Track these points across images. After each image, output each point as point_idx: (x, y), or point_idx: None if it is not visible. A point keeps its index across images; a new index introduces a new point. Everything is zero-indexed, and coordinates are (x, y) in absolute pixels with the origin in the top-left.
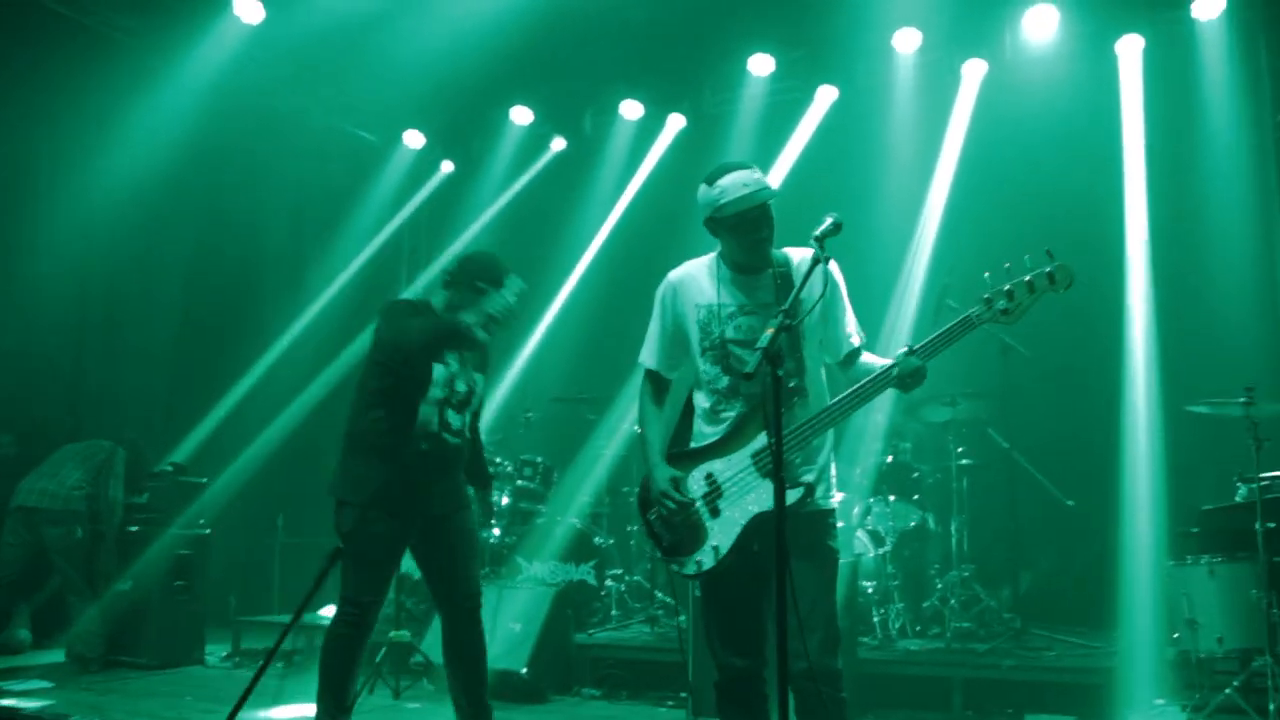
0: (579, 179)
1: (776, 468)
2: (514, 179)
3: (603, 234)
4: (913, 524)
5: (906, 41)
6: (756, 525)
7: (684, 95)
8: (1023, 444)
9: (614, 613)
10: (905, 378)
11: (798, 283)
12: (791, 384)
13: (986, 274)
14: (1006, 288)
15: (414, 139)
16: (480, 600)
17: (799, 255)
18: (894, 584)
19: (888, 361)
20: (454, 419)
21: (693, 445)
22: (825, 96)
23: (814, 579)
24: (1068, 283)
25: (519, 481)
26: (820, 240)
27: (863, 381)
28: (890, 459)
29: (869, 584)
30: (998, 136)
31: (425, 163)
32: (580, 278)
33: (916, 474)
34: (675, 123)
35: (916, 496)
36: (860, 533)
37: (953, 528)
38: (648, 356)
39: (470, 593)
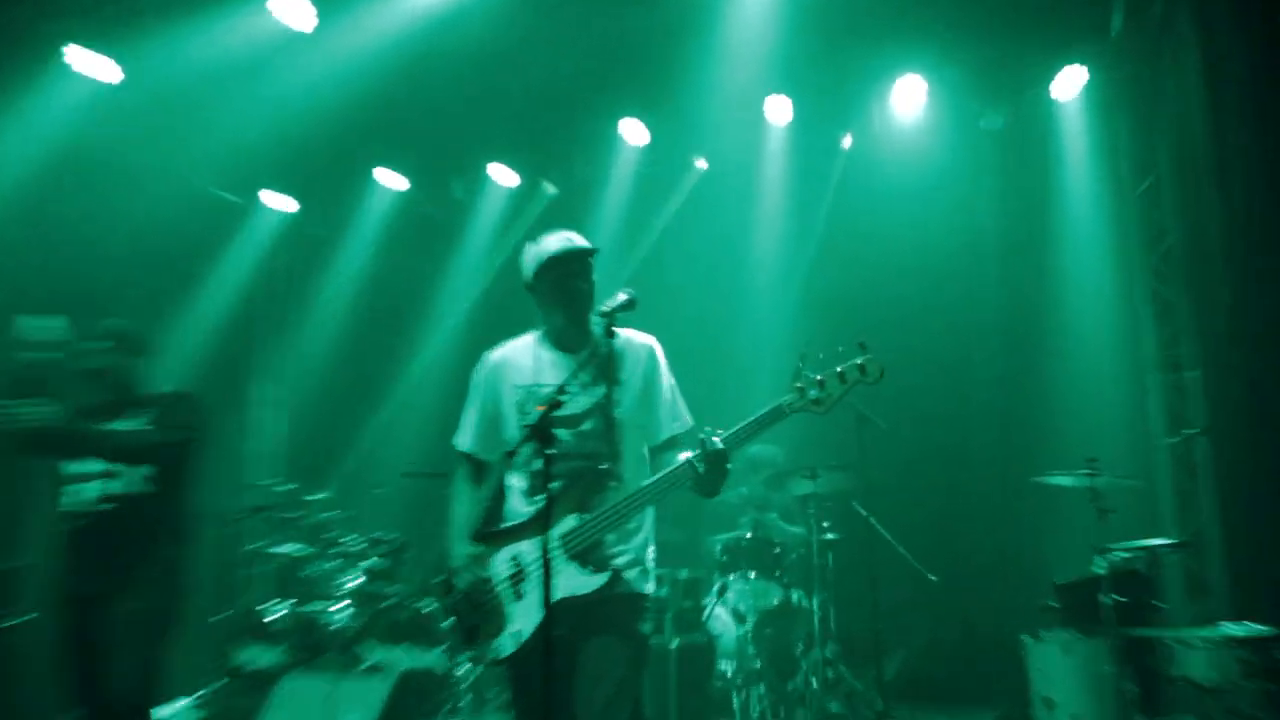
0: (447, 246)
1: (545, 565)
2: (381, 242)
3: (464, 302)
4: (775, 601)
5: (778, 113)
6: (562, 609)
7: (554, 163)
8: (886, 517)
9: (465, 702)
10: (703, 476)
11: (619, 364)
12: (602, 466)
13: (799, 362)
14: (819, 377)
15: (278, 201)
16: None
17: (628, 335)
18: (756, 665)
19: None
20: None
21: (503, 525)
22: (697, 168)
23: (620, 660)
24: (878, 375)
25: (368, 561)
26: (608, 316)
27: (657, 476)
28: (749, 534)
29: (728, 665)
30: (863, 208)
31: (292, 224)
32: (441, 345)
33: (778, 549)
34: (546, 190)
35: (779, 572)
36: (719, 610)
37: (815, 604)
38: (463, 439)
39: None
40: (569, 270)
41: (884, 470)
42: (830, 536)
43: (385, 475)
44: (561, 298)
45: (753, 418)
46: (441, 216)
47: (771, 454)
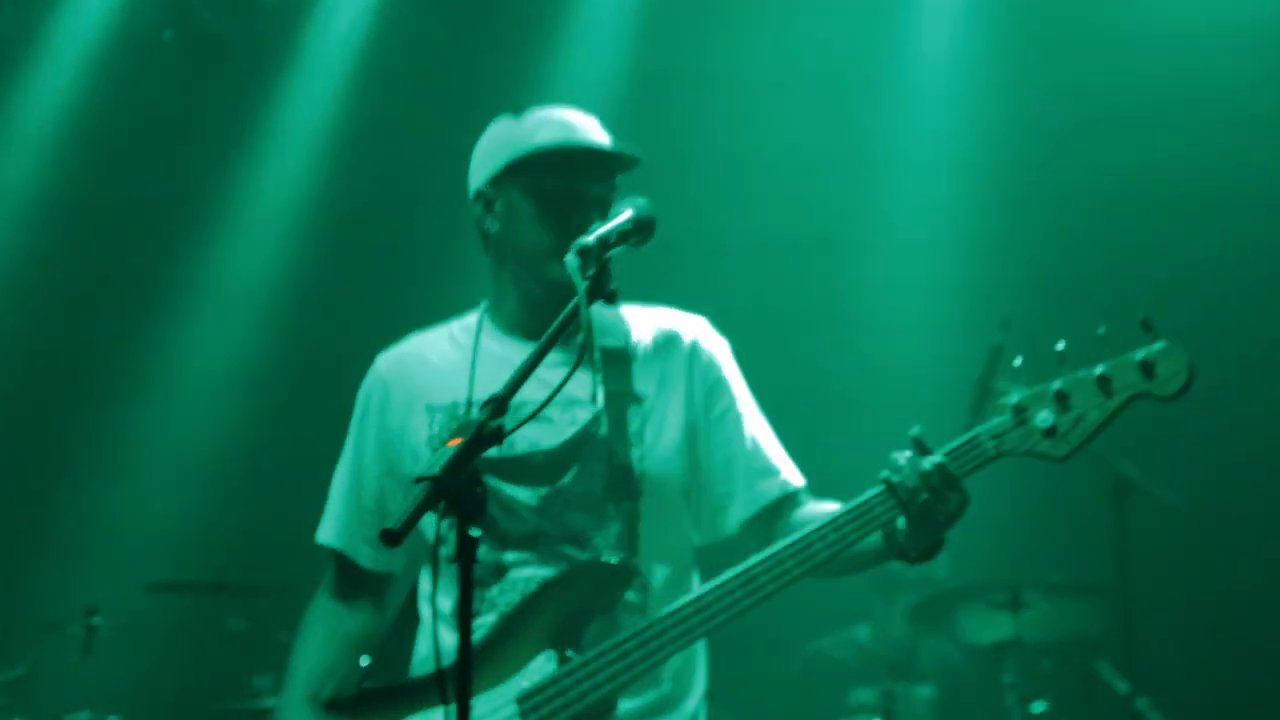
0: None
1: None
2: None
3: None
4: None
5: None
6: None
7: None
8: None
9: None
10: (922, 513)
11: (638, 366)
12: (613, 560)
13: (1004, 349)
14: (1058, 386)
15: None
16: None
17: (648, 320)
18: None
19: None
20: None
21: (412, 675)
22: None
23: None
24: (1180, 384)
25: None
26: (594, 257)
27: (821, 523)
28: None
29: None
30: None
31: None
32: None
33: None
34: None
35: None
36: None
37: None
38: (327, 528)
39: None
40: (572, 188)
41: (1171, 595)
42: None
43: (108, 595)
44: (547, 233)
45: (965, 439)
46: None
47: None
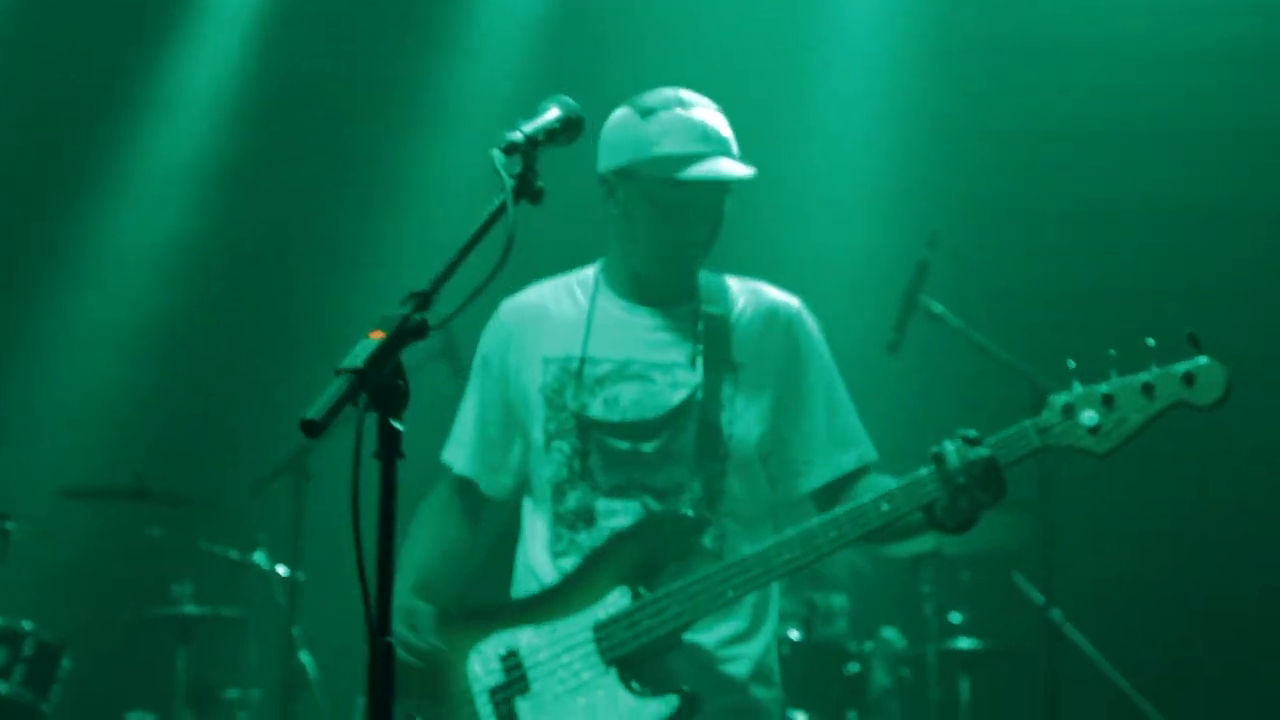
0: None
1: None
2: None
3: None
4: None
5: None
6: None
7: None
8: (1094, 616)
9: None
10: (963, 489)
11: (736, 335)
12: (689, 513)
13: (1071, 363)
14: (1106, 390)
15: None
16: None
17: (748, 293)
18: None
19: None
20: None
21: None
22: None
23: None
24: (1218, 394)
25: None
26: (521, 152)
27: (878, 495)
28: (796, 636)
29: None
30: None
31: None
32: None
33: (855, 665)
34: None
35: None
36: None
37: None
38: (456, 453)
39: None
40: (686, 206)
41: (1089, 516)
42: (966, 645)
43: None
44: (656, 235)
45: (1001, 436)
46: None
47: None
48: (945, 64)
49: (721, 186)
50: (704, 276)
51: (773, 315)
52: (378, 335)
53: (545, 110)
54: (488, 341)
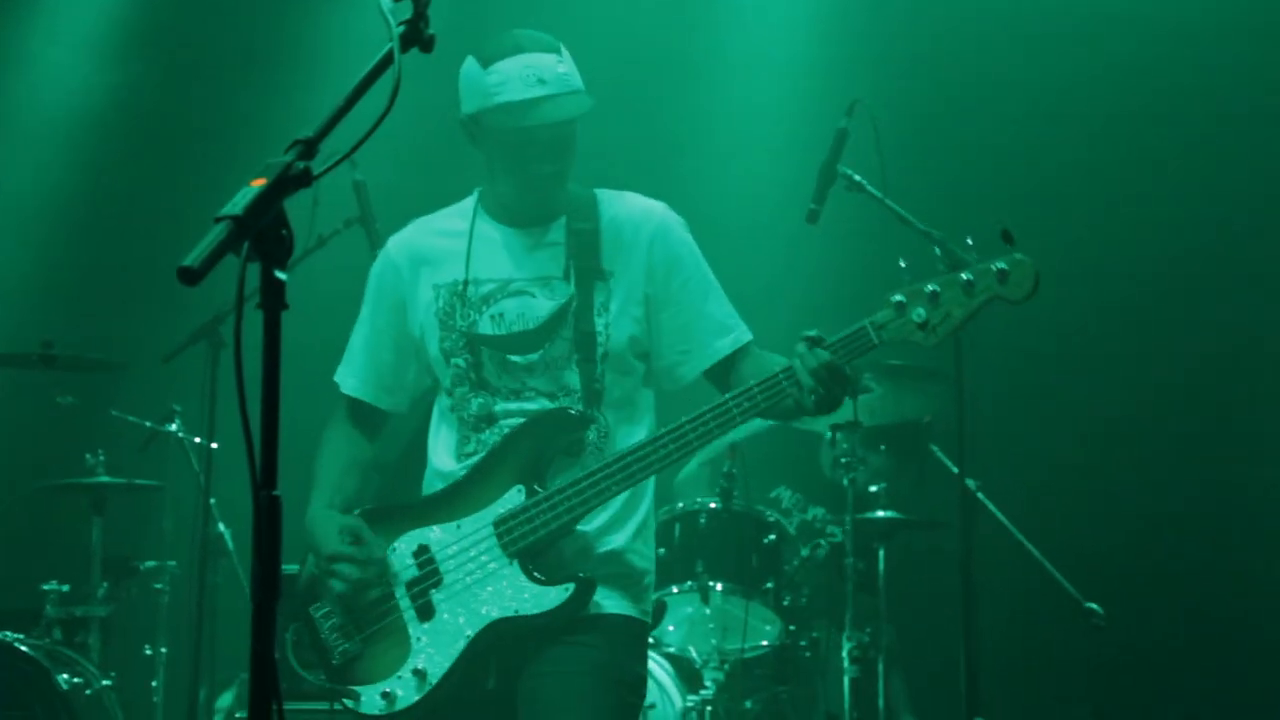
0: None
1: None
2: None
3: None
4: (766, 642)
5: None
6: (493, 640)
7: None
8: (1006, 486)
9: None
10: (819, 382)
11: (606, 244)
12: (572, 411)
13: (902, 263)
14: (932, 287)
15: None
16: None
17: (616, 204)
18: None
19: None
20: None
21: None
22: None
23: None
24: (1028, 289)
25: None
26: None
27: (736, 392)
28: (716, 504)
29: None
30: None
31: None
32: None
33: (773, 536)
34: None
35: (774, 585)
36: (651, 660)
37: (848, 652)
38: (346, 375)
39: None
40: (531, 144)
41: (1002, 389)
42: (884, 515)
43: None
44: (512, 171)
45: (841, 336)
46: None
47: None
48: None
49: (564, 124)
50: (574, 191)
51: (639, 222)
52: (259, 183)
53: None
54: (376, 276)
